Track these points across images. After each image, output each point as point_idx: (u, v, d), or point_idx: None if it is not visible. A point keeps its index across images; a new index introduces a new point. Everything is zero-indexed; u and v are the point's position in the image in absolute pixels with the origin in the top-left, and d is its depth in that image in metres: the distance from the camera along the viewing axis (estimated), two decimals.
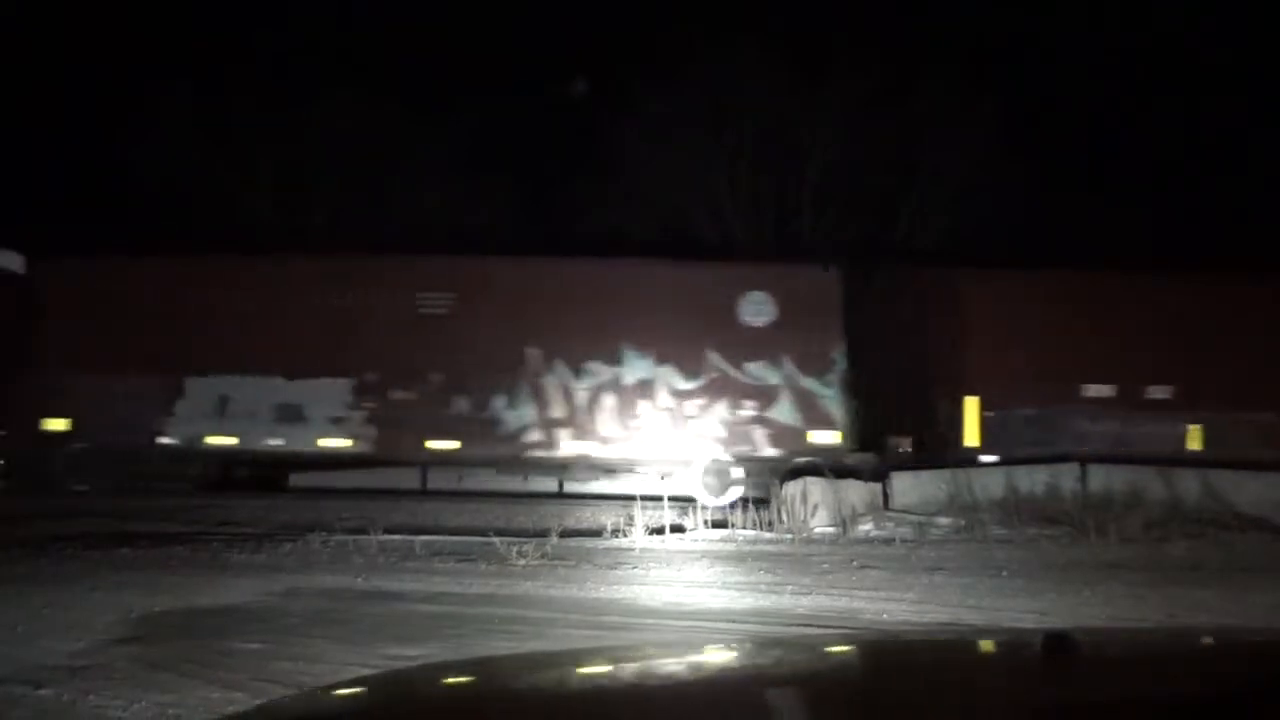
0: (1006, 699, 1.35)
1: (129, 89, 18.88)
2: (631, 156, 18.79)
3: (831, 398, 12.03)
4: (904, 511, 9.95)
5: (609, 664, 1.75)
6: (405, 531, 8.64)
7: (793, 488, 9.78)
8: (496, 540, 7.73)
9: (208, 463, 13.06)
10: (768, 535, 9.15)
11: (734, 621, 5.46)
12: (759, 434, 12.03)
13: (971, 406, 11.85)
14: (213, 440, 12.43)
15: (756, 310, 12.15)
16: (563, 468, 12.55)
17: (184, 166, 18.58)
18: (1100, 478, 10.32)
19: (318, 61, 19.43)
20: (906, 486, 10.43)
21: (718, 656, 1.89)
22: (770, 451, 11.94)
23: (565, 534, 8.71)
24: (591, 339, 12.14)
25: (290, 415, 12.35)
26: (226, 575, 6.70)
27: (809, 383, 12.04)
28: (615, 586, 6.50)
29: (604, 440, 12.09)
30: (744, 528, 9.32)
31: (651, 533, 8.89)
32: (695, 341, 12.08)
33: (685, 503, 10.54)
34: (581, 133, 19.78)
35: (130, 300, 12.54)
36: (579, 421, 12.15)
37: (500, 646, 4.70)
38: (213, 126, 18.91)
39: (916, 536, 9.01)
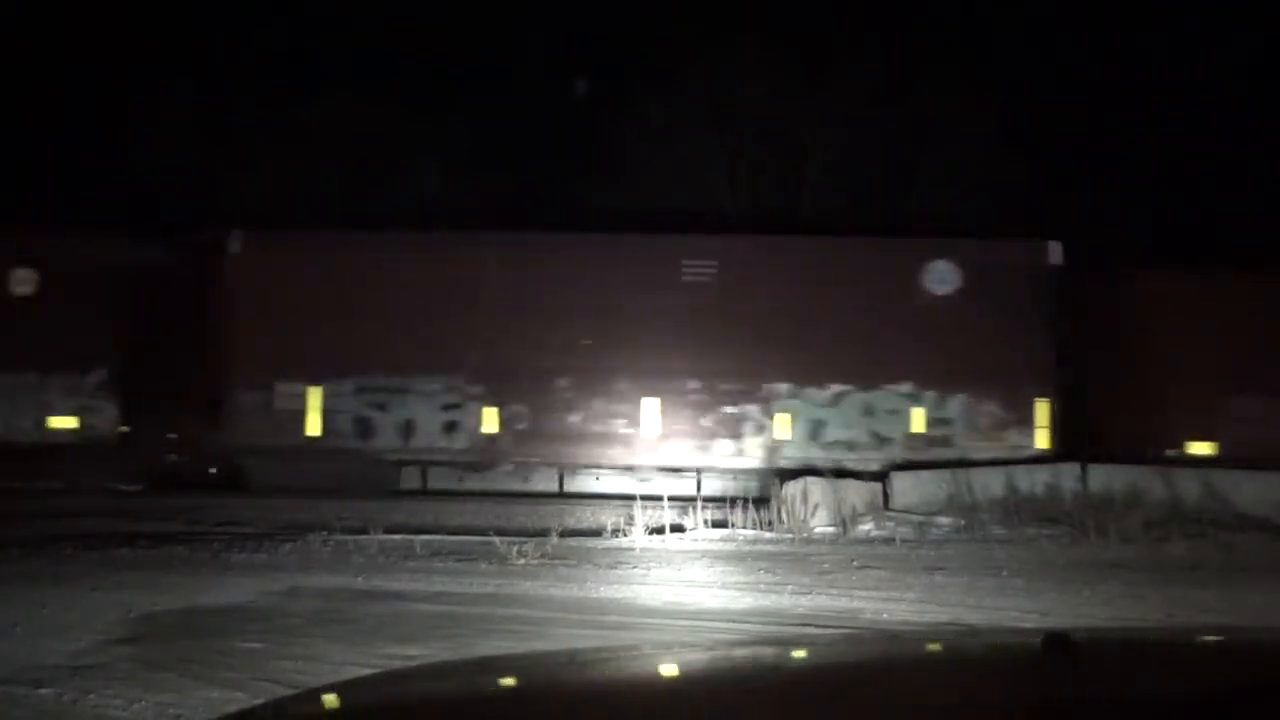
0: (1006, 699, 1.34)
1: (129, 89, 18.89)
2: (631, 156, 18.78)
3: None
4: (904, 511, 9.95)
5: (609, 664, 1.75)
6: (405, 531, 8.63)
7: (793, 487, 9.77)
8: (496, 540, 7.73)
9: None
10: (768, 535, 9.14)
11: (734, 621, 5.46)
12: None
13: None
14: None
15: None
16: None
17: (184, 166, 18.58)
18: (1100, 478, 10.32)
19: (318, 61, 19.44)
20: (906, 486, 10.43)
21: (717, 656, 1.89)
22: None
23: (565, 534, 8.71)
24: None
25: None
26: (227, 575, 6.70)
27: None
28: (615, 586, 6.50)
29: None
30: (744, 527, 9.31)
31: (651, 532, 8.88)
32: None
33: (685, 501, 10.54)
34: (581, 133, 19.79)
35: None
36: None
37: (500, 646, 4.70)
38: (213, 126, 18.91)
39: (916, 536, 9.01)
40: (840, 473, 10.35)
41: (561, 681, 1.56)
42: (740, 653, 1.96)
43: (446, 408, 12.19)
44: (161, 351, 13.06)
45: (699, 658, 1.85)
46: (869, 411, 12.05)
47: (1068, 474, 10.41)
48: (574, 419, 12.10)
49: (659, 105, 18.84)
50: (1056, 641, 1.42)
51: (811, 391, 12.11)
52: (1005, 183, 17.46)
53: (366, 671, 2.49)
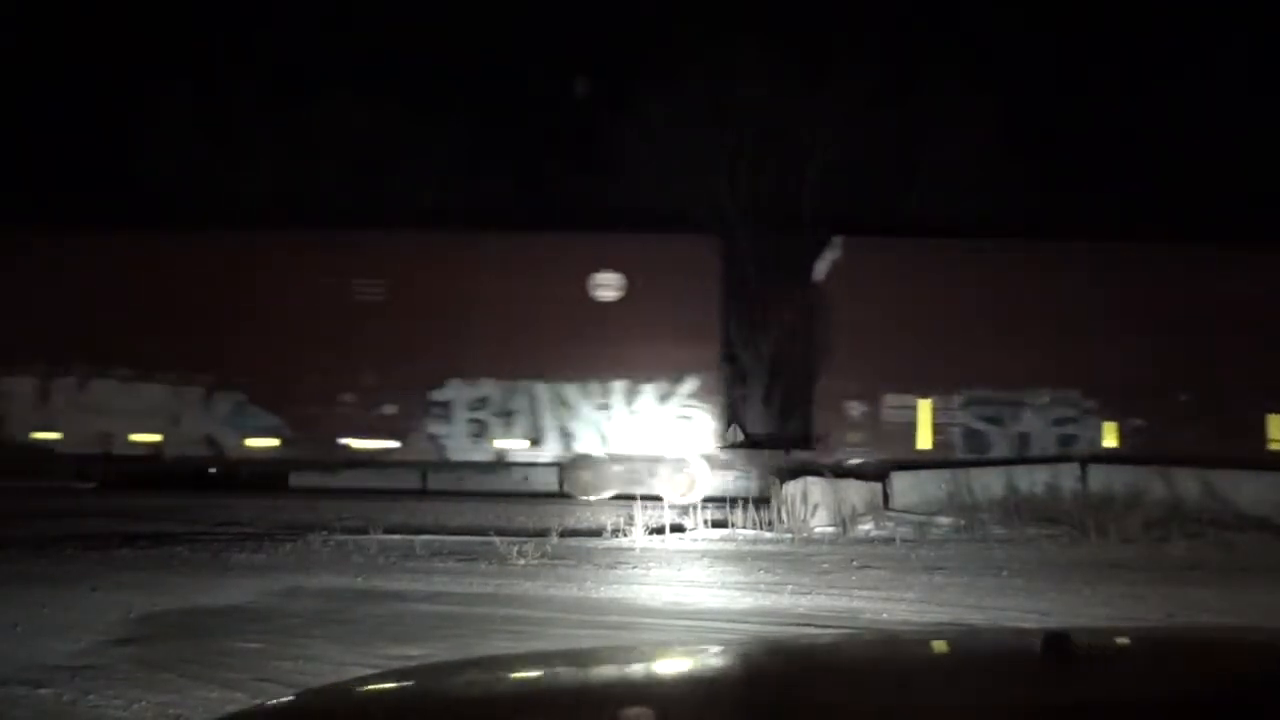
0: (1006, 699, 1.34)
1: (129, 89, 18.90)
2: (631, 156, 18.78)
3: None
4: (904, 511, 9.95)
5: (609, 664, 1.75)
6: (405, 531, 8.65)
7: (793, 487, 9.78)
8: (496, 540, 7.73)
9: None
10: (768, 535, 9.14)
11: (734, 621, 5.46)
12: None
13: None
14: None
15: None
16: None
17: (184, 166, 18.59)
18: (1100, 478, 10.33)
19: (318, 62, 19.45)
20: (906, 486, 10.43)
21: (718, 656, 1.89)
22: None
23: (565, 534, 8.72)
24: None
25: None
26: (227, 575, 6.70)
27: None
28: (615, 586, 6.50)
29: None
30: (744, 527, 9.32)
31: (651, 532, 8.89)
32: None
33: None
34: (581, 132, 19.79)
35: None
36: None
37: (500, 646, 4.69)
38: (213, 126, 18.92)
39: (916, 536, 9.01)
40: (840, 472, 10.35)
41: (561, 681, 1.55)
42: (740, 653, 1.96)
43: (1060, 421, 11.91)
44: (752, 358, 12.64)
45: (699, 658, 1.85)
46: None
47: (1068, 474, 10.42)
48: (1191, 433, 11.63)
49: (659, 105, 18.84)
50: (1056, 641, 1.42)
51: None
52: (1005, 183, 17.46)
53: (366, 671, 2.49)
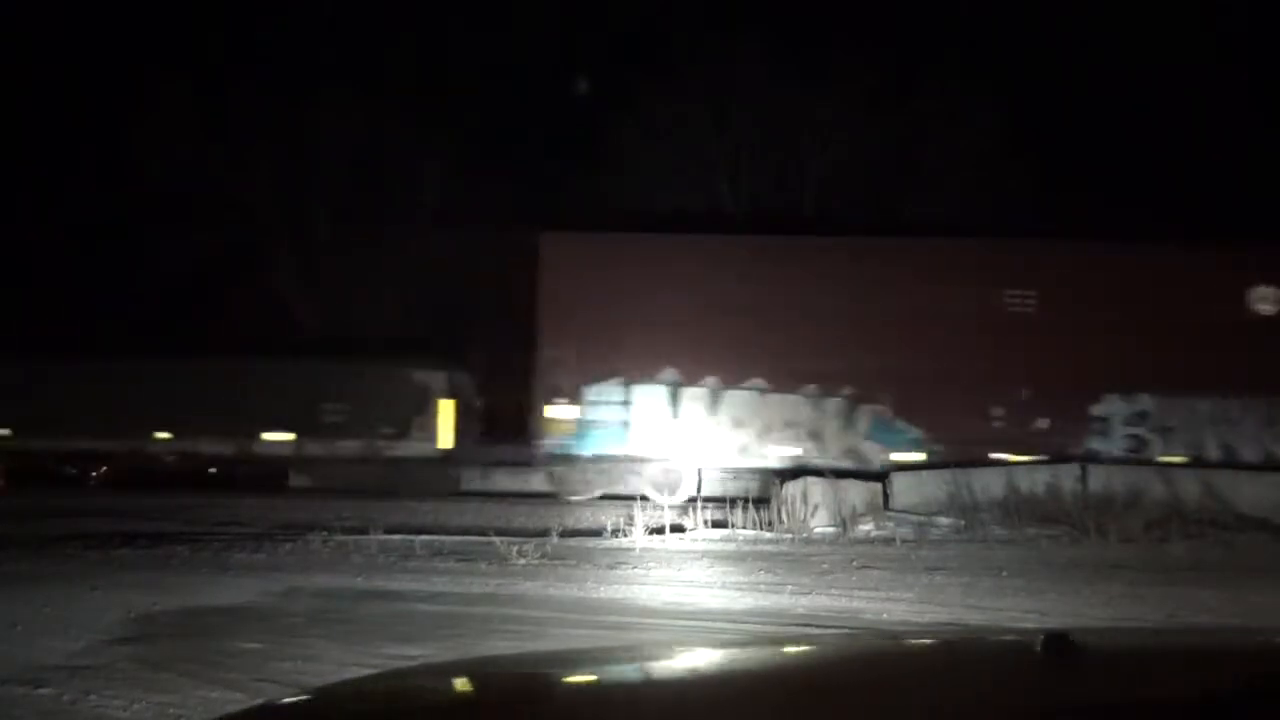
0: (1006, 699, 1.34)
1: (129, 87, 18.90)
2: (631, 156, 18.79)
3: None
4: (904, 511, 9.95)
5: (609, 664, 1.75)
6: (405, 531, 8.64)
7: (793, 488, 9.78)
8: (496, 540, 7.73)
9: None
10: (768, 535, 9.14)
11: (734, 621, 5.46)
12: None
13: None
14: None
15: None
16: None
17: (184, 165, 18.59)
18: (1100, 478, 10.32)
19: (318, 61, 19.45)
20: (906, 486, 10.43)
21: (718, 656, 1.89)
22: None
23: (565, 534, 8.72)
24: None
25: None
26: (227, 575, 6.70)
27: None
28: (615, 586, 6.50)
29: None
30: (744, 528, 9.32)
31: (651, 532, 8.89)
32: None
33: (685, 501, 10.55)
34: (581, 132, 19.81)
35: None
36: None
37: (500, 646, 4.69)
38: (213, 125, 18.92)
39: (916, 536, 9.01)
40: (840, 473, 10.35)
41: (561, 681, 1.55)
42: (740, 653, 1.96)
43: None
44: None
45: (699, 658, 1.85)
46: None
47: (1067, 474, 10.41)
48: None
49: (659, 105, 18.85)
50: (1056, 641, 1.42)
51: None
52: (1005, 183, 17.47)
53: (366, 671, 2.49)
